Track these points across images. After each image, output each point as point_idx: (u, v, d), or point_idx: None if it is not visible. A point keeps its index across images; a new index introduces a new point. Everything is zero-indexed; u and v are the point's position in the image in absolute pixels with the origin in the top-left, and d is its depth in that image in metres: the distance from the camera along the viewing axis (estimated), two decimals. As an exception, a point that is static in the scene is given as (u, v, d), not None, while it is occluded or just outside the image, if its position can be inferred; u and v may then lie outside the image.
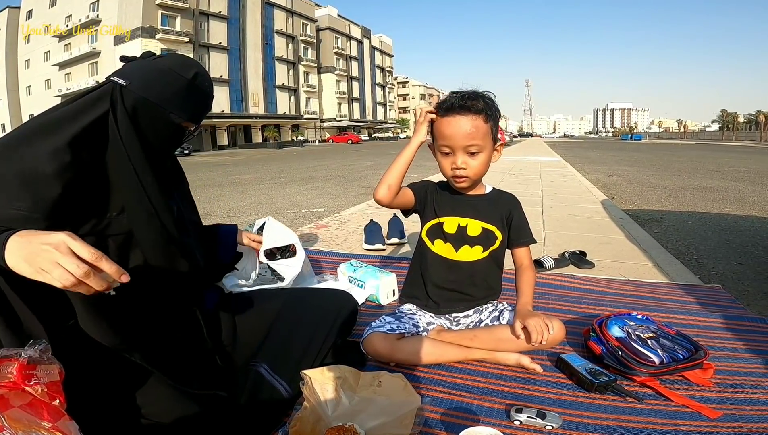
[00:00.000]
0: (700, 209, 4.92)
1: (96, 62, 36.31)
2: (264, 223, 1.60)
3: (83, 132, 0.84)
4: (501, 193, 1.42)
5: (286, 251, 1.68)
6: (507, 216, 1.38)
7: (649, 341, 1.29)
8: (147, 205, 0.91)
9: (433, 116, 1.26)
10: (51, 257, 0.65)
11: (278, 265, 1.62)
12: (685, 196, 5.94)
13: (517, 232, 1.38)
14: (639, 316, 1.41)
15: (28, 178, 0.78)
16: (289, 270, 1.60)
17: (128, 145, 0.89)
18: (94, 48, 35.73)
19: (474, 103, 1.21)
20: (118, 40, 33.25)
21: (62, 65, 38.67)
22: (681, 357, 1.26)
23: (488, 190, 1.41)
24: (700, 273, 2.51)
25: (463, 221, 1.34)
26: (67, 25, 37.16)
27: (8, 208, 0.77)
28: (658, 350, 1.26)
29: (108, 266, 0.69)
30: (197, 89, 0.96)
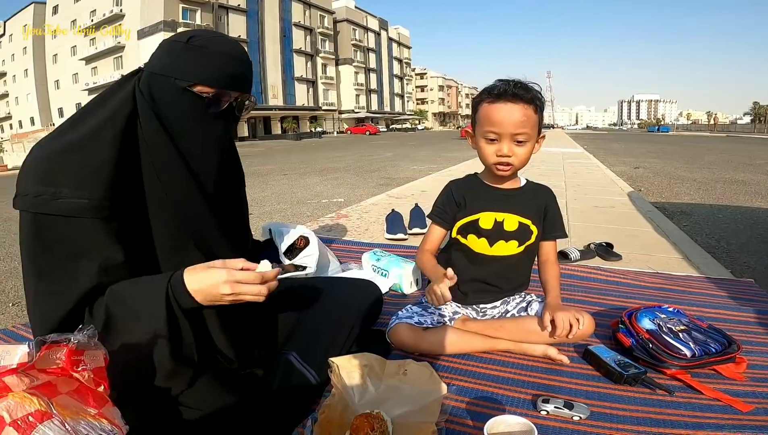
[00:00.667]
0: (732, 203, 4.75)
1: (121, 56, 37.10)
2: (270, 228, 1.68)
3: (129, 120, 0.85)
4: (538, 186, 1.39)
5: (295, 247, 1.73)
6: (543, 210, 1.35)
7: (680, 334, 1.26)
8: (159, 193, 0.89)
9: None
10: (237, 290, 0.81)
11: (297, 259, 1.66)
12: (716, 189, 5.75)
13: (551, 226, 1.36)
14: (670, 309, 1.38)
15: (94, 168, 0.79)
16: (309, 259, 1.63)
17: (147, 133, 0.87)
18: (119, 42, 36.49)
19: (525, 92, 1.18)
20: (142, 34, 33.88)
21: (88, 59, 39.57)
22: (713, 350, 1.23)
23: (523, 182, 1.37)
24: (731, 267, 2.44)
25: (500, 216, 1.30)
26: (92, 20, 37.95)
27: (75, 199, 0.77)
28: (690, 343, 1.23)
29: (270, 276, 0.84)
30: (196, 49, 0.86)
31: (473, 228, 1.32)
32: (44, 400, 0.65)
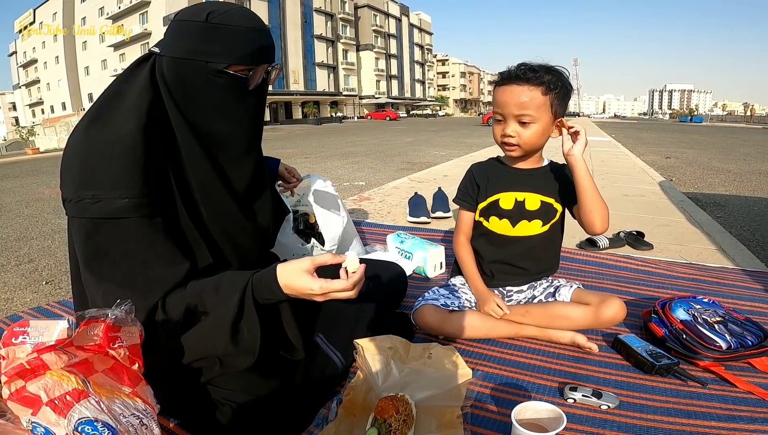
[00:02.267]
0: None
1: (147, 42, 37.59)
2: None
3: (151, 109, 0.81)
4: (561, 165, 1.35)
5: (312, 229, 1.73)
6: (566, 184, 1.31)
7: (716, 325, 1.22)
8: (186, 180, 0.87)
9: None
10: (328, 296, 0.82)
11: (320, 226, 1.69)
12: (751, 181, 5.50)
13: None
14: (705, 300, 1.34)
15: (126, 164, 0.76)
16: (329, 229, 1.66)
17: (174, 120, 0.85)
18: (146, 29, 37.03)
19: (534, 74, 1.16)
20: (167, 21, 34.31)
21: (116, 46, 40.26)
22: (750, 343, 1.19)
23: (546, 162, 1.35)
24: (766, 260, 2.33)
25: (520, 196, 1.30)
26: (119, 7, 38.54)
27: (116, 200, 0.76)
28: (726, 335, 1.19)
29: (358, 279, 0.82)
30: (219, 26, 0.82)
31: (494, 209, 1.32)
32: (81, 378, 0.64)
